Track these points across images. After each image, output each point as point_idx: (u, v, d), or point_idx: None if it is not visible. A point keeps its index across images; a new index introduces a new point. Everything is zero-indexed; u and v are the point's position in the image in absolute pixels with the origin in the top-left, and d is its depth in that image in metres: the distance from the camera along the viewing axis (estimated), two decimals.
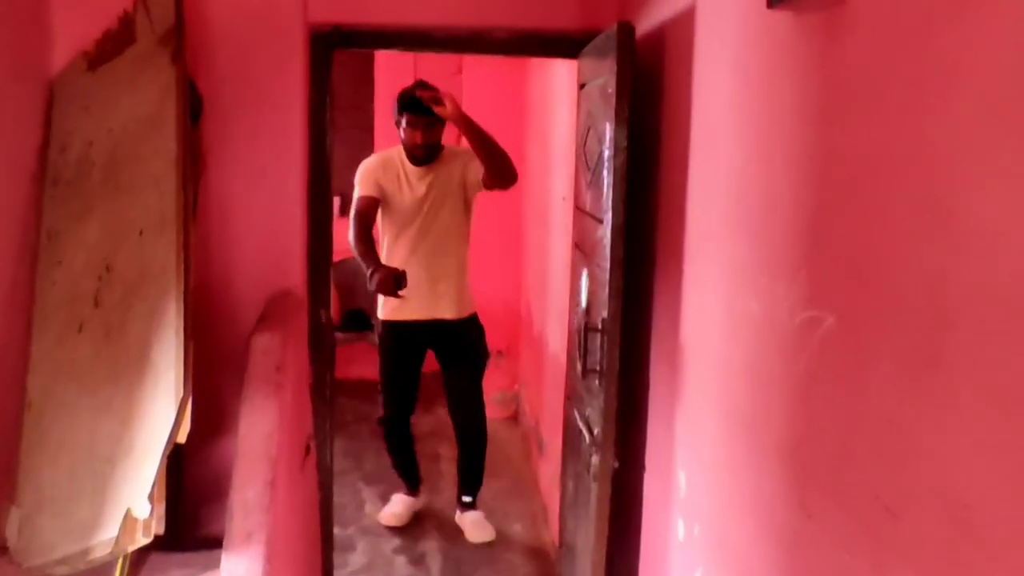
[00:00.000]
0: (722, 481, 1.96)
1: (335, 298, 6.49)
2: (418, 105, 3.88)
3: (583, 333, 2.54)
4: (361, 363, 6.65)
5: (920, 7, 1.14)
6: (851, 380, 1.31)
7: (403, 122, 4.01)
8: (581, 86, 3.09)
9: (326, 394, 3.36)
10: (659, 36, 2.52)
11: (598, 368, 2.49)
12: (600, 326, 2.48)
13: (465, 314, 4.22)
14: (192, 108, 2.80)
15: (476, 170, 3.91)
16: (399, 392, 4.41)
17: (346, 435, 5.73)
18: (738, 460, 1.84)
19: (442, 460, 5.40)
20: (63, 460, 2.21)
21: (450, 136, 4.35)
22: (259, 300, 3.08)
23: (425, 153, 4.02)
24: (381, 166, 4.13)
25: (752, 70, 1.74)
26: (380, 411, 4.53)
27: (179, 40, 2.41)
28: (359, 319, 6.47)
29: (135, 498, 1.96)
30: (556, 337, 4.69)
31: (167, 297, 2.14)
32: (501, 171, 3.84)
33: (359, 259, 3.95)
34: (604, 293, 2.46)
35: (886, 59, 1.23)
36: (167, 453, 1.96)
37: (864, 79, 1.29)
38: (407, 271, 3.80)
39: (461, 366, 4.28)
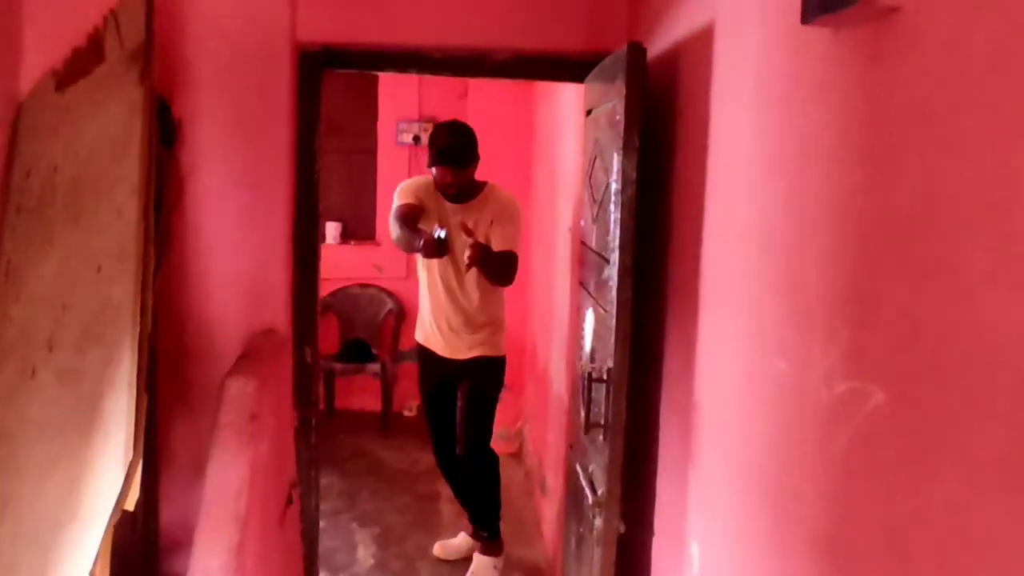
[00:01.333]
0: (741, 559, 1.72)
1: (335, 328, 6.31)
2: (446, 156, 3.73)
3: (587, 383, 2.31)
4: (360, 395, 6.45)
5: (996, 19, 0.92)
6: (909, 472, 1.08)
7: (431, 160, 3.82)
8: (587, 112, 2.88)
9: (311, 438, 3.12)
10: (672, 58, 2.31)
11: (603, 422, 2.26)
12: (605, 376, 2.25)
13: (486, 354, 4.03)
14: (166, 131, 2.60)
15: (497, 236, 3.80)
16: (434, 422, 4.31)
17: (341, 472, 5.50)
18: (760, 538, 1.60)
19: (440, 500, 5.15)
20: (6, 520, 1.98)
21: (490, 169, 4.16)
22: (240, 338, 2.87)
23: (456, 192, 3.84)
24: (423, 187, 3.97)
25: (781, 96, 1.52)
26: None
27: (148, 58, 2.20)
28: (359, 349, 6.24)
29: (76, 571, 1.73)
30: (560, 374, 4.47)
31: (122, 343, 1.92)
32: (497, 281, 3.87)
33: (405, 243, 3.86)
34: (610, 339, 2.24)
35: (949, 83, 1.01)
36: (113, 522, 1.73)
37: (922, 107, 1.07)
38: (433, 308, 3.95)
39: (468, 402, 4.08)
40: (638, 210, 2.18)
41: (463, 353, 4.02)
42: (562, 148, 4.56)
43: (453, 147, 3.71)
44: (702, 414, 1.97)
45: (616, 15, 2.94)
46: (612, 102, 2.33)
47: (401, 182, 4.13)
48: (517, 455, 5.95)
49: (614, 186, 2.25)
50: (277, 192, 2.90)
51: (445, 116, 6.28)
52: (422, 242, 3.65)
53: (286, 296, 2.98)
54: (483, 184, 3.93)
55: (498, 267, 3.74)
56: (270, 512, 2.59)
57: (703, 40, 1.99)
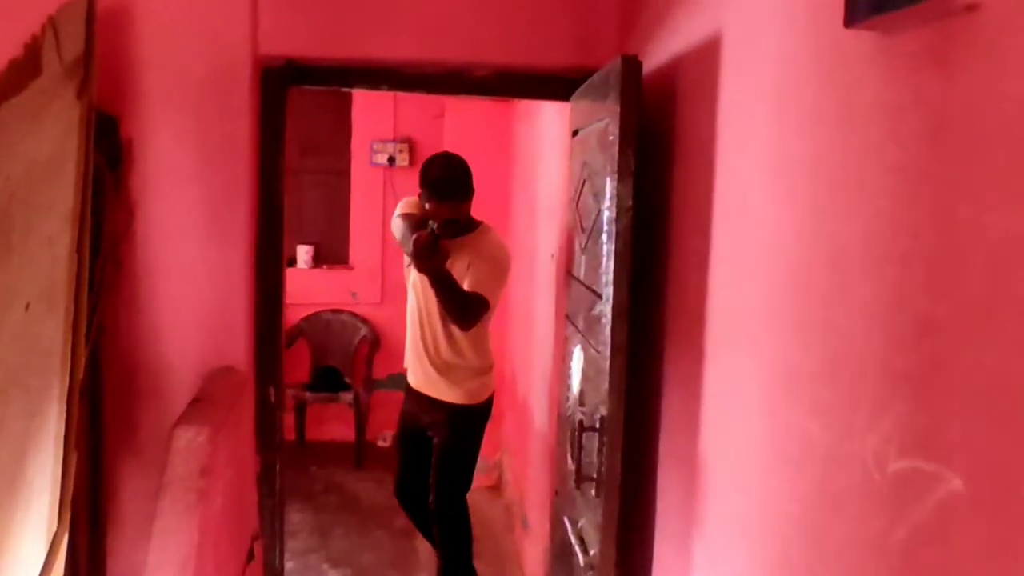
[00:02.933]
0: None
1: (306, 355, 6.05)
2: (437, 189, 3.46)
3: (577, 433, 2.08)
4: (332, 425, 6.20)
5: None
6: None
7: (424, 195, 3.55)
8: (574, 133, 2.67)
9: (276, 484, 2.87)
10: (669, 73, 2.10)
11: (595, 475, 2.03)
12: (598, 424, 2.03)
13: (464, 402, 3.73)
14: (111, 152, 2.36)
15: (470, 277, 3.45)
16: (402, 458, 4.03)
17: (313, 507, 5.24)
18: None
19: (418, 536, 4.88)
20: None
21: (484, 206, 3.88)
22: (196, 377, 2.64)
23: (444, 226, 3.52)
24: (413, 220, 3.61)
25: (812, 112, 1.30)
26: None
27: (88, 70, 1.97)
28: (331, 378, 5.99)
29: None
30: (542, 408, 4.24)
31: (49, 393, 1.67)
32: (452, 313, 3.43)
33: (405, 240, 3.47)
34: (603, 384, 2.01)
35: None
36: None
37: (1002, 125, 0.86)
38: (412, 335, 3.72)
39: (440, 457, 3.79)
40: (634, 241, 1.96)
41: (442, 393, 3.73)
42: (544, 170, 4.36)
43: (443, 180, 3.45)
44: (709, 472, 1.75)
45: (605, 29, 2.74)
46: (604, 121, 2.12)
47: (404, 198, 3.82)
48: (496, 487, 5.72)
49: (607, 214, 2.04)
50: (238, 218, 2.66)
51: (421, 136, 6.12)
52: (412, 240, 3.25)
53: (247, 331, 2.74)
54: (478, 224, 3.63)
55: (455, 298, 3.35)
56: (228, 573, 2.34)
57: (708, 52, 1.78)
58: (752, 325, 1.53)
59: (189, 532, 1.89)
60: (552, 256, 3.99)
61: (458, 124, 5.65)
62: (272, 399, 2.82)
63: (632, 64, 1.95)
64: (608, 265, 2.01)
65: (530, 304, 4.68)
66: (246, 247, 2.70)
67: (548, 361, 3.94)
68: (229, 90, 2.60)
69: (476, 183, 3.60)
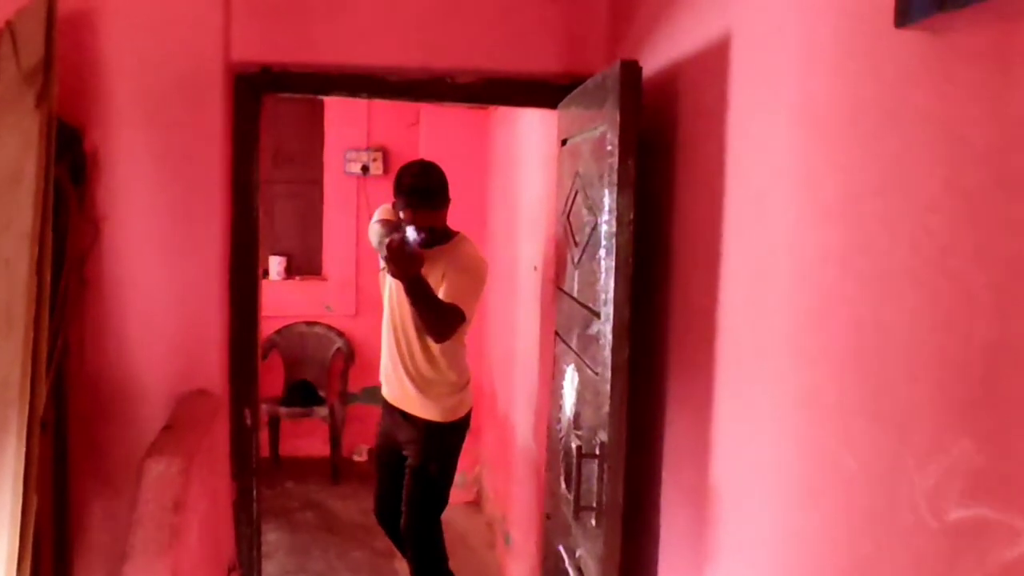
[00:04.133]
0: None
1: (279, 369, 5.89)
2: (411, 196, 3.33)
3: (576, 460, 1.96)
4: (307, 440, 6.06)
5: None
6: None
7: (399, 204, 3.43)
8: (563, 142, 2.56)
9: (253, 511, 2.74)
10: (668, 79, 2.00)
11: (595, 504, 1.92)
12: (598, 451, 1.91)
13: (433, 418, 3.59)
14: (75, 165, 2.22)
15: (445, 288, 3.31)
16: (380, 477, 3.89)
17: (289, 526, 5.09)
18: None
19: (397, 557, 4.75)
20: None
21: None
22: (168, 401, 2.50)
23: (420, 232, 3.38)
24: (390, 226, 3.46)
25: (847, 118, 1.19)
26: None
27: (48, 77, 1.83)
28: (305, 392, 5.84)
29: None
30: (525, 422, 4.13)
31: (6, 427, 1.53)
32: (427, 324, 3.28)
33: (381, 244, 3.32)
34: (602, 408, 1.90)
35: None
36: None
37: None
38: (388, 348, 3.58)
39: (413, 480, 3.64)
40: (636, 256, 1.86)
41: (418, 409, 3.59)
42: (525, 179, 4.25)
43: (418, 188, 3.32)
44: (720, 504, 1.64)
45: (593, 35, 2.64)
46: (600, 129, 2.01)
47: (381, 206, 3.70)
48: (476, 503, 5.59)
49: (604, 227, 1.93)
50: (211, 232, 2.53)
51: (396, 144, 5.99)
52: (386, 244, 3.11)
53: (221, 350, 2.60)
54: (454, 235, 3.49)
55: (430, 307, 3.20)
56: None
57: (715, 56, 1.68)
58: (772, 347, 1.43)
59: (162, 573, 1.75)
60: (535, 268, 3.88)
61: (434, 132, 5.54)
62: (248, 421, 2.68)
63: (632, 69, 1.84)
64: (607, 282, 1.90)
65: (511, 316, 4.57)
66: (220, 263, 2.56)
67: (534, 376, 3.82)
68: (200, 98, 2.46)
69: (452, 192, 3.47)
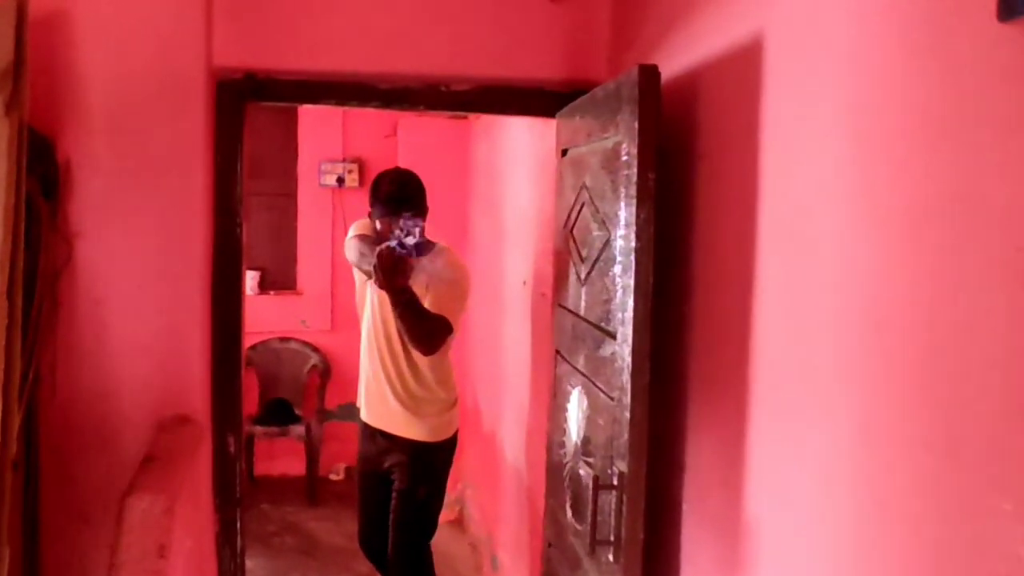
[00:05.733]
0: None
1: (254, 386, 5.70)
2: (389, 204, 3.21)
3: (592, 492, 1.83)
4: (283, 459, 5.89)
5: None
6: None
7: (376, 212, 3.30)
8: (563, 152, 2.44)
9: (236, 543, 2.58)
10: (686, 85, 1.89)
11: (612, 538, 1.80)
12: (615, 481, 1.79)
13: (421, 438, 3.44)
14: (46, 177, 2.07)
15: (429, 299, 3.19)
16: (363, 502, 3.73)
17: (267, 552, 4.91)
18: None
19: None
20: None
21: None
22: (147, 428, 2.34)
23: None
24: (370, 236, 3.36)
25: (914, 125, 1.08)
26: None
27: (18, 83, 1.68)
28: (281, 410, 5.66)
29: None
30: (514, 440, 4.00)
31: None
32: (414, 337, 3.15)
33: (363, 258, 3.25)
34: (620, 436, 1.78)
35: None
36: None
37: None
38: (370, 365, 3.43)
39: (400, 505, 3.49)
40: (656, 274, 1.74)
41: (404, 430, 3.44)
42: (512, 191, 4.13)
43: (396, 194, 3.21)
44: (760, 542, 1.52)
45: (596, 41, 2.53)
46: (613, 138, 1.89)
47: (356, 223, 3.54)
48: (459, 522, 5.44)
49: (620, 243, 1.81)
50: (192, 249, 2.39)
51: (372, 156, 5.83)
52: (376, 254, 2.99)
53: (203, 374, 2.45)
54: (433, 244, 3.35)
55: (419, 319, 3.09)
56: None
57: (745, 59, 1.57)
58: (818, 375, 1.31)
59: None
60: (524, 283, 3.75)
61: (412, 142, 5.42)
62: (231, 449, 2.53)
63: (650, 74, 1.73)
64: (624, 300, 1.78)
65: (497, 331, 4.44)
66: (201, 280, 2.41)
67: (524, 394, 3.69)
68: (180, 106, 2.32)
69: (432, 204, 3.35)
